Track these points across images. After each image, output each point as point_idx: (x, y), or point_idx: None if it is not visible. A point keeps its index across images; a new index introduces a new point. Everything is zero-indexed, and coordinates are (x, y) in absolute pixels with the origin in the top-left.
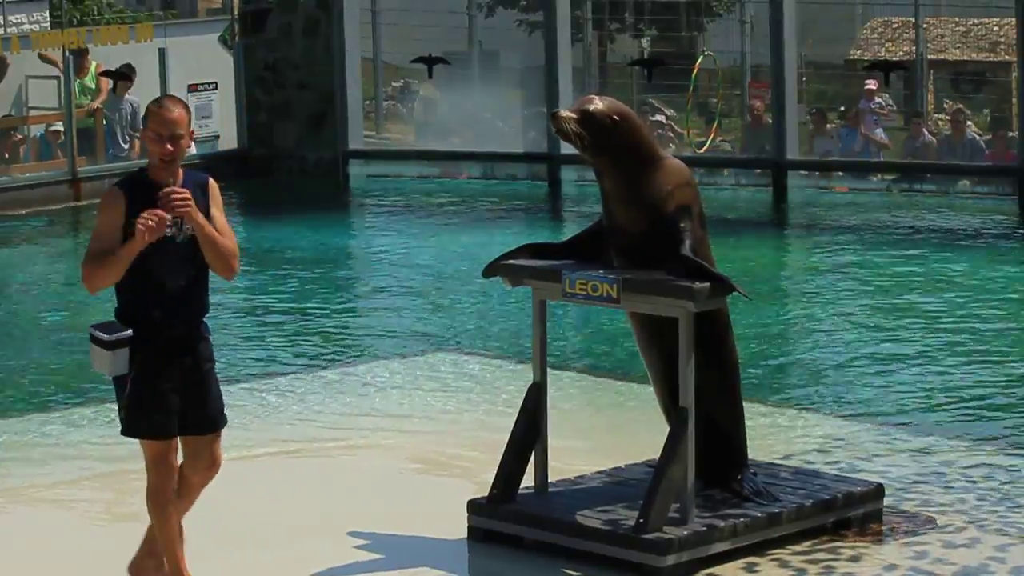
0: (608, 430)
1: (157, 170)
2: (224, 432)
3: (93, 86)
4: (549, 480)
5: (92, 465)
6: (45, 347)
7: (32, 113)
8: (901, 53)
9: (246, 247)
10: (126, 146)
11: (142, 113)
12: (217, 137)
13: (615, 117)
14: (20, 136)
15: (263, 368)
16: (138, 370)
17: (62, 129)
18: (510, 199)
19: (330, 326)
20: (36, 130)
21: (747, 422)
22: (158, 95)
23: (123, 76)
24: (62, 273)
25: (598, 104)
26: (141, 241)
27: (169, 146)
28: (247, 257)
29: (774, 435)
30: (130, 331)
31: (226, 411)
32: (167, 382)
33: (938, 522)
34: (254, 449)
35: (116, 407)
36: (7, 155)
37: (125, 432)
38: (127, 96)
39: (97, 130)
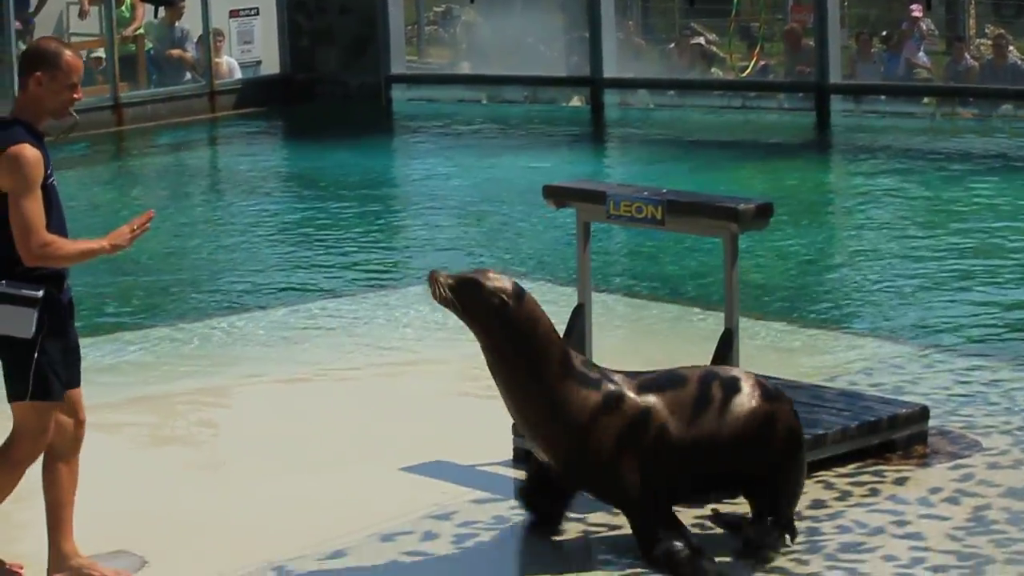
0: (651, 351)
1: (55, 118)
2: (271, 356)
3: (128, 15)
4: None
5: (136, 388)
6: (88, 271)
7: (73, 40)
8: None
9: (290, 172)
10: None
11: (195, 39)
12: (259, 62)
13: (503, 297)
14: None
15: (308, 292)
16: (51, 330)
17: (103, 56)
18: (552, 123)
19: (373, 250)
20: None
21: (793, 343)
22: (200, 22)
23: (167, 3)
24: (104, 198)
25: (490, 278)
26: (108, 250)
27: (77, 94)
28: (293, 181)
29: (818, 357)
30: (41, 291)
31: (272, 336)
32: (71, 342)
33: (983, 444)
34: (300, 373)
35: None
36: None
37: (39, 396)
38: (177, 24)
39: (139, 56)
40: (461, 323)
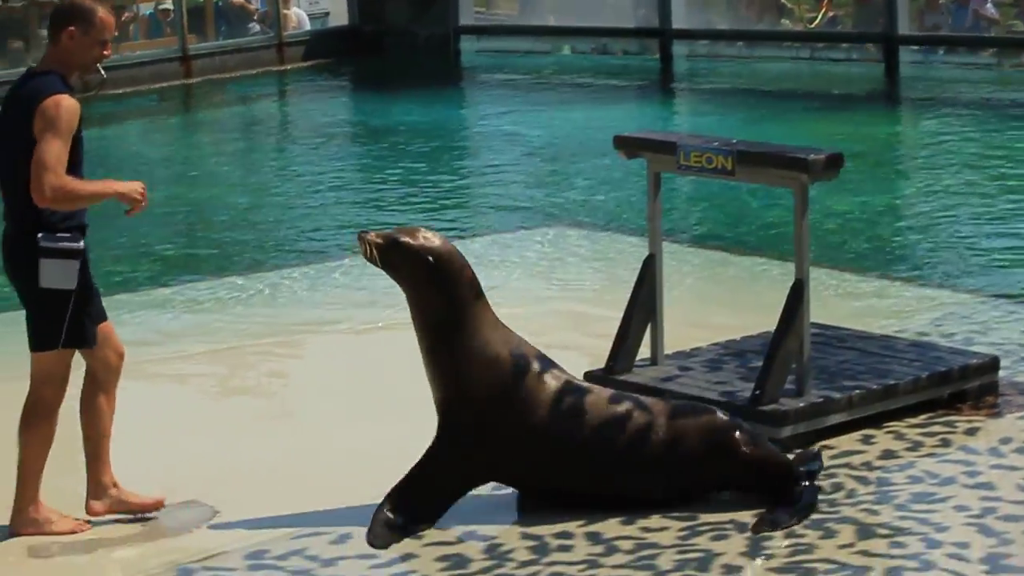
0: (722, 302)
1: (83, 73)
2: (340, 307)
3: None
4: (664, 352)
5: (207, 340)
6: (156, 224)
7: None
8: None
9: (358, 124)
10: (255, 27)
11: None
12: (327, 14)
13: (429, 258)
14: (130, 14)
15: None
16: (84, 281)
17: (171, 8)
18: (620, 74)
19: (442, 202)
20: (146, 8)
21: (863, 294)
22: None
23: None
24: (173, 150)
25: (417, 237)
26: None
27: (107, 51)
28: (361, 134)
29: (889, 308)
30: (81, 242)
31: (340, 288)
32: (94, 285)
33: None
34: (370, 324)
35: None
36: (116, 33)
37: (74, 343)
38: None
39: (207, 8)
40: (531, 274)
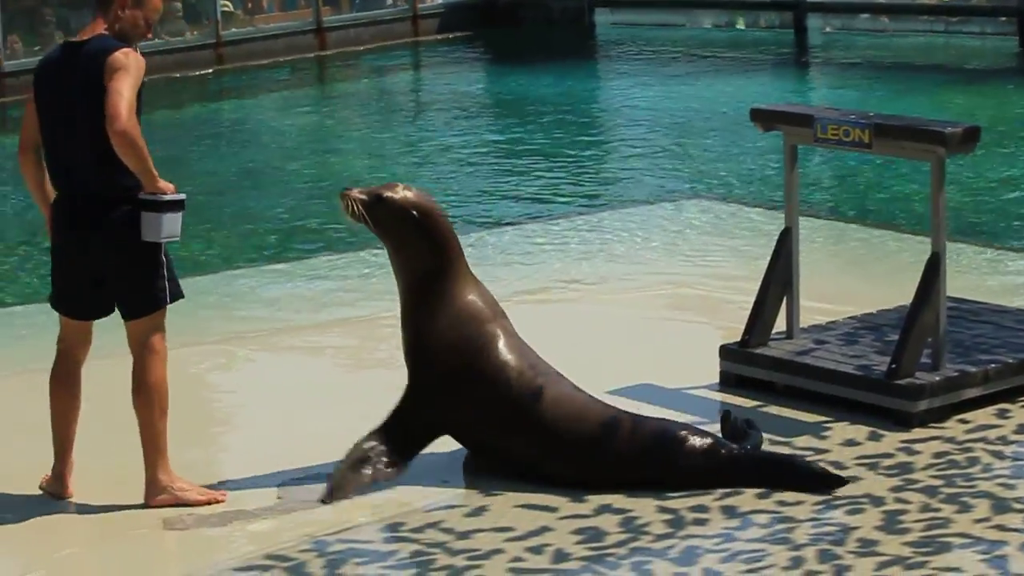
0: (858, 276)
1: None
2: (483, 278)
3: None
4: (800, 325)
5: (339, 311)
6: (290, 195)
7: None
8: None
9: (492, 96)
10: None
11: None
12: None
13: (414, 212)
14: None
15: (511, 216)
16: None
17: None
18: (754, 47)
19: (576, 173)
20: None
21: (1000, 268)
22: None
23: None
24: (307, 122)
25: (400, 192)
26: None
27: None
28: (495, 106)
29: (1010, 281)
30: (184, 194)
31: (474, 261)
32: None
33: None
34: (504, 297)
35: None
36: (251, 6)
37: (176, 296)
38: None
39: None
40: (663, 246)
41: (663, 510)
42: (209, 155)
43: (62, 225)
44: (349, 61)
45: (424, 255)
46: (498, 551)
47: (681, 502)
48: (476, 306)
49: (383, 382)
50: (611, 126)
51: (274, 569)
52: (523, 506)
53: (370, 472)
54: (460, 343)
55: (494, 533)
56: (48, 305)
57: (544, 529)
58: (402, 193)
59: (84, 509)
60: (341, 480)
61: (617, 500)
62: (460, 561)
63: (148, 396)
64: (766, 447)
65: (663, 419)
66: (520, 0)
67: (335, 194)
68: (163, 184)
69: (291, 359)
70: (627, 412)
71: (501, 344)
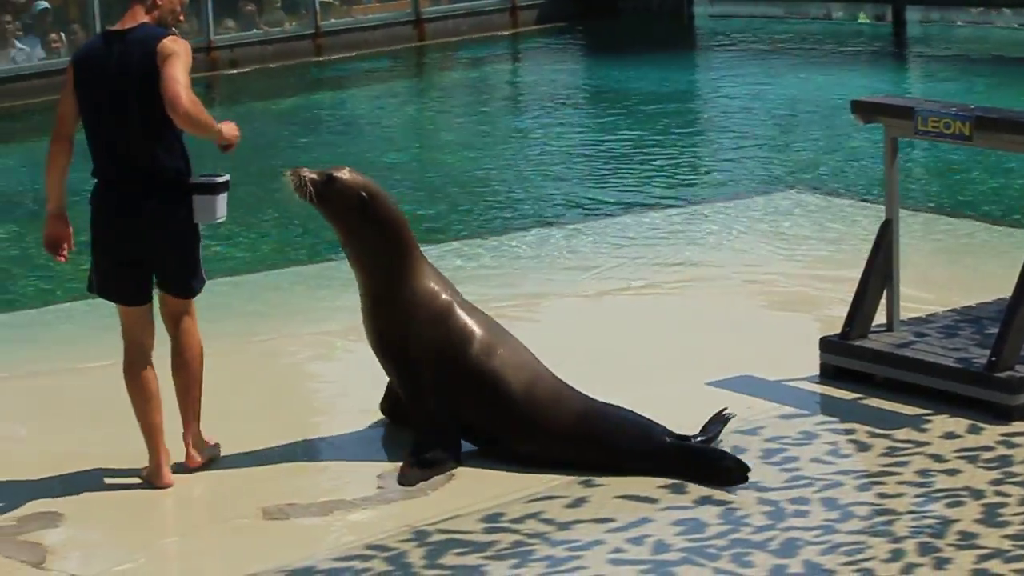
0: (958, 268)
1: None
2: (569, 271)
3: None
4: (900, 318)
5: None
6: (388, 187)
7: None
8: None
9: (590, 88)
10: None
11: None
12: None
13: (363, 193)
14: None
15: (607, 207)
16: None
17: None
18: (853, 40)
19: (671, 165)
20: None
21: None
22: None
23: None
24: (406, 113)
25: (349, 174)
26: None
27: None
28: (593, 98)
29: None
30: (228, 175)
31: (571, 251)
32: None
33: None
34: (603, 288)
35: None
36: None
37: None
38: None
39: None
40: (764, 239)
41: (764, 502)
42: (308, 146)
43: (106, 213)
44: (447, 52)
45: (375, 241)
46: (598, 542)
47: (782, 494)
48: (440, 296)
49: None
50: (708, 118)
51: (374, 559)
52: (623, 497)
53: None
54: (438, 338)
55: (594, 524)
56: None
57: (644, 520)
58: (351, 175)
59: (184, 498)
60: (405, 481)
61: (717, 492)
62: (560, 552)
63: (190, 365)
64: (864, 439)
65: (612, 404)
66: None
67: (434, 186)
68: (227, 129)
69: None
70: (578, 391)
71: (474, 326)
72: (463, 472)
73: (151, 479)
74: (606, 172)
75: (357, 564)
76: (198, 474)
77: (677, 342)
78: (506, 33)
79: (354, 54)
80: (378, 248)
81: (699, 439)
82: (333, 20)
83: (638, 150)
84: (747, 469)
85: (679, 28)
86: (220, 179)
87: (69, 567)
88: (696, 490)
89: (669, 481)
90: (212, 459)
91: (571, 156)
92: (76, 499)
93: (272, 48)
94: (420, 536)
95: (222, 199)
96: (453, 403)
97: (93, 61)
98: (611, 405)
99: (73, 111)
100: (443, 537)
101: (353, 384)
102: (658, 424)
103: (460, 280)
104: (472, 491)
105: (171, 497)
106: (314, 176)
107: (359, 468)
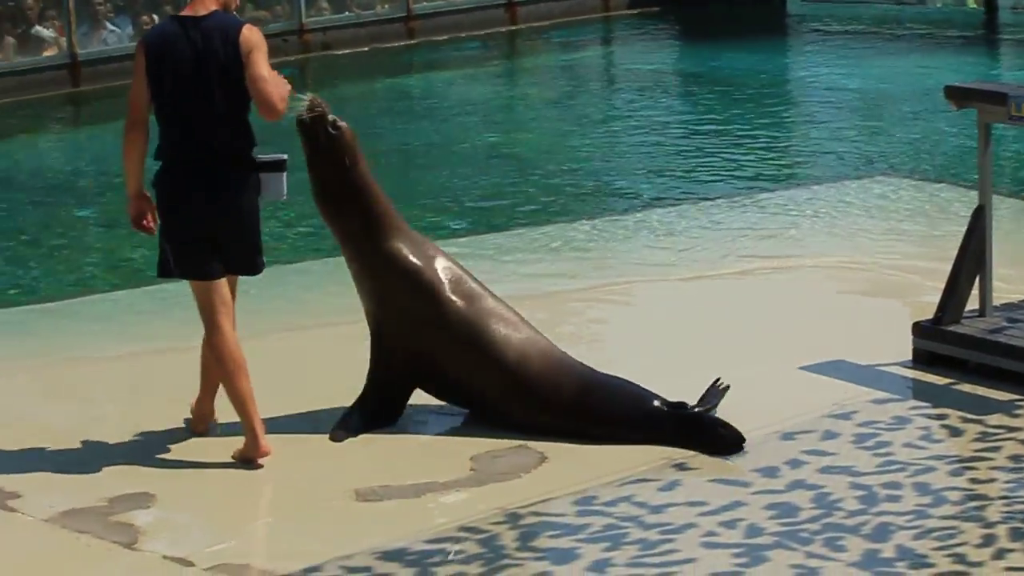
0: None
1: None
2: (662, 254)
3: None
4: (993, 304)
5: (530, 284)
6: (481, 170)
7: None
8: None
9: (682, 72)
10: None
11: None
12: None
13: (354, 156)
14: None
15: (702, 191)
16: None
17: None
18: (944, 25)
19: (762, 150)
20: None
21: None
22: None
23: None
24: (497, 96)
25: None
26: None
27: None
28: (685, 82)
29: None
30: (286, 154)
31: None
32: None
33: None
34: (693, 273)
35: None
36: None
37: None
38: None
39: None
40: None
41: (856, 486)
42: (401, 128)
43: (181, 191)
44: (539, 36)
45: (339, 179)
46: (691, 525)
47: (874, 479)
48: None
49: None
50: (799, 103)
51: (467, 541)
52: (716, 480)
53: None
54: (421, 298)
55: (687, 507)
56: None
57: (737, 504)
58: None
59: (277, 480)
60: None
61: (810, 476)
62: (652, 535)
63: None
64: (956, 425)
65: (608, 374)
66: None
67: (526, 169)
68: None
69: None
70: (573, 360)
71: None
72: (555, 454)
73: (248, 451)
74: (698, 157)
75: (449, 546)
76: (290, 456)
77: (770, 326)
78: (597, 17)
79: (446, 37)
80: (353, 212)
81: (696, 409)
82: (425, 3)
83: (730, 135)
84: (742, 439)
85: (770, 13)
86: (273, 159)
87: (160, 548)
88: (789, 474)
89: (762, 464)
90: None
91: (663, 140)
92: (167, 480)
93: (364, 31)
94: (513, 518)
95: (275, 178)
96: (427, 369)
97: (169, 47)
98: (606, 375)
99: (146, 96)
100: (536, 520)
101: None
102: (654, 393)
103: (554, 262)
104: (565, 474)
105: (262, 479)
106: (332, 117)
107: (451, 449)
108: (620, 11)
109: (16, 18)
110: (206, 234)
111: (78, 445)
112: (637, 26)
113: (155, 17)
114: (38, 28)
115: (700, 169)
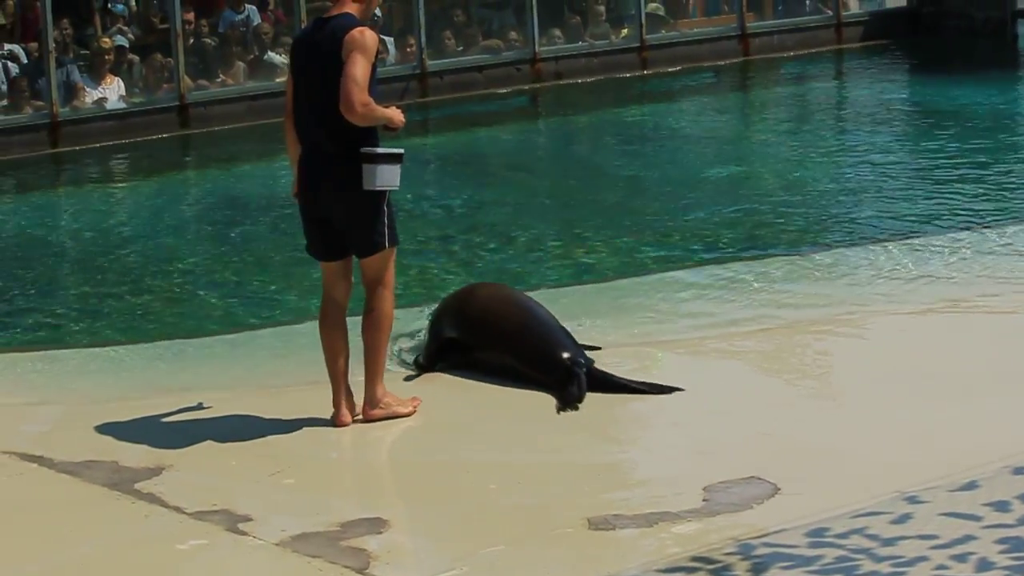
0: None
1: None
2: (906, 281)
3: None
4: None
5: (752, 311)
6: (712, 200)
7: None
8: None
9: (912, 105)
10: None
11: None
12: None
13: None
14: None
15: (937, 222)
16: None
17: None
18: None
19: (1001, 182)
20: None
21: None
22: None
23: None
24: (728, 127)
25: None
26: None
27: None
28: (914, 115)
29: None
30: (401, 148)
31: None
32: None
33: None
34: (927, 305)
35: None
36: (675, 10)
37: (396, 241)
38: None
39: None
40: None
41: None
42: (629, 159)
43: (302, 177)
44: (771, 67)
45: None
46: (922, 558)
47: None
48: None
49: (805, 388)
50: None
51: (699, 571)
52: (947, 514)
53: None
54: None
55: (919, 540)
56: None
57: (968, 537)
58: None
59: (507, 507)
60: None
61: None
62: (884, 568)
63: (378, 322)
64: None
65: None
66: (943, 10)
67: (758, 200)
68: (395, 115)
69: (715, 363)
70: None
71: None
72: (788, 486)
73: (335, 420)
74: (931, 188)
75: None
76: (519, 482)
77: (1004, 359)
78: (830, 49)
79: (678, 68)
80: None
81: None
82: (659, 34)
83: (963, 167)
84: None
85: (1002, 47)
86: (380, 150)
87: (391, 573)
88: (1020, 508)
89: (994, 499)
90: (389, 417)
91: (895, 172)
92: (399, 505)
93: (597, 60)
94: (745, 549)
95: (383, 169)
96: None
97: (303, 44)
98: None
99: (292, 90)
100: (768, 551)
101: (669, 397)
102: (576, 345)
103: (780, 293)
104: (797, 505)
105: (493, 505)
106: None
107: (683, 480)
108: (852, 43)
109: (248, 43)
110: (320, 215)
111: (309, 468)
112: (869, 59)
113: (385, 40)
114: (271, 54)
115: (934, 199)
